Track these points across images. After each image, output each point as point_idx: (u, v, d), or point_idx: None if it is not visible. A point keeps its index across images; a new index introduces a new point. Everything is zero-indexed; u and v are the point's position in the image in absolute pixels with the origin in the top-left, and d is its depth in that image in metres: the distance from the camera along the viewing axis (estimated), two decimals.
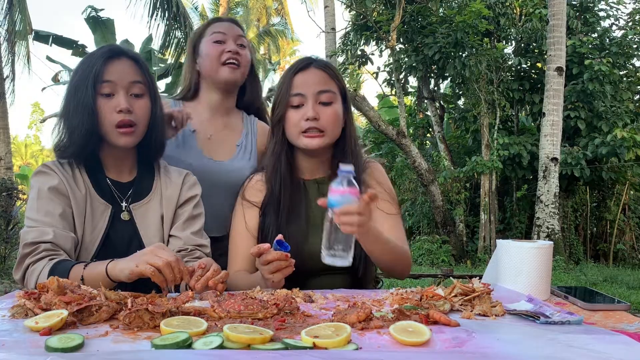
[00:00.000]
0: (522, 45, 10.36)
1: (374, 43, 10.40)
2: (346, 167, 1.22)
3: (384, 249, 1.40)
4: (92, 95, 1.36)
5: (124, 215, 1.45)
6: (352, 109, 1.76)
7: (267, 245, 1.26)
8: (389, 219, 1.53)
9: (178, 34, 10.53)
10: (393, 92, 10.84)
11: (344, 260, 1.24)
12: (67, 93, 1.41)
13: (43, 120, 12.94)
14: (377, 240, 1.36)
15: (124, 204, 1.46)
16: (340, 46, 10.62)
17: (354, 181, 1.22)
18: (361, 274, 1.53)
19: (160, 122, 1.49)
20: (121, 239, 1.43)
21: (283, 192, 1.51)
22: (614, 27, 10.89)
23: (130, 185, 1.49)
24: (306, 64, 1.51)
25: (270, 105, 1.60)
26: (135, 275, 1.15)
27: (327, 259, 1.24)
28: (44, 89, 11.81)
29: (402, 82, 10.32)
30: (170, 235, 1.48)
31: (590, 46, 9.62)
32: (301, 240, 1.47)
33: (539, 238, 8.16)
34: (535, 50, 10.22)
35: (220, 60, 1.79)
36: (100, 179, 1.45)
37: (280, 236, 1.29)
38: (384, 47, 10.26)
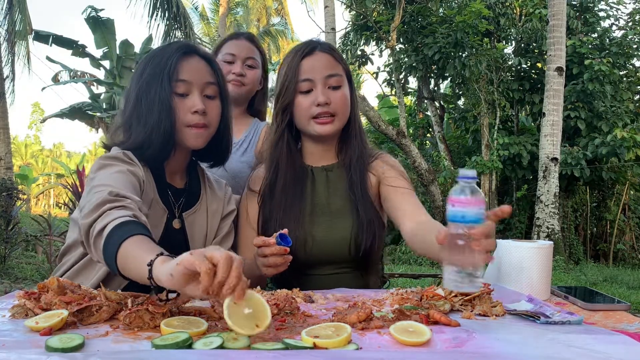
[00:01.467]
0: (522, 45, 10.36)
1: (374, 43, 10.41)
2: (468, 172, 1.00)
3: None
4: (169, 92, 1.29)
5: (175, 223, 1.39)
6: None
7: (272, 240, 1.24)
8: (410, 194, 1.49)
9: (178, 34, 10.54)
10: (393, 92, 10.85)
11: (475, 285, 0.98)
12: (138, 89, 1.32)
13: (43, 120, 12.92)
14: None
15: (176, 211, 1.40)
16: (340, 46, 10.61)
17: (477, 188, 1.01)
18: (366, 269, 1.51)
19: (230, 125, 1.44)
20: (172, 248, 1.34)
21: (281, 178, 1.49)
22: (614, 27, 10.91)
23: (182, 191, 1.43)
24: (311, 48, 1.47)
25: (274, 99, 1.56)
26: (181, 269, 0.84)
27: (452, 284, 0.98)
28: (44, 89, 11.79)
29: (402, 82, 10.32)
30: None
31: (590, 46, 9.63)
32: (303, 228, 1.46)
33: (539, 238, 8.16)
34: (535, 50, 10.23)
35: (226, 79, 1.88)
36: (161, 182, 1.37)
37: (285, 230, 1.26)
38: (384, 47, 10.27)
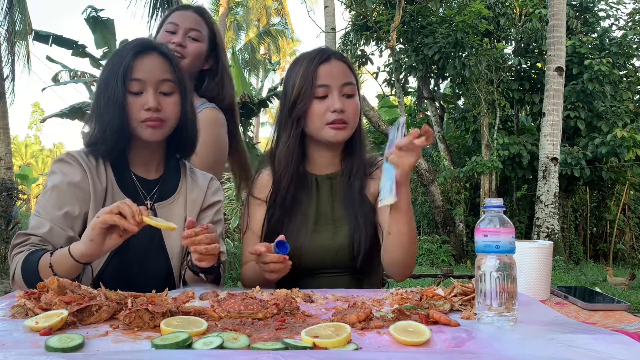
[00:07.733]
0: (522, 45, 10.36)
1: (374, 43, 10.42)
2: (494, 201, 1.00)
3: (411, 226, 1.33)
4: (122, 91, 1.34)
5: None
6: None
7: (264, 248, 1.28)
8: None
9: None
10: (393, 92, 10.85)
11: (512, 318, 0.98)
12: (98, 88, 1.39)
13: (43, 120, 12.91)
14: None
15: (148, 202, 1.42)
16: (340, 46, 10.62)
17: (506, 218, 1.00)
18: (366, 274, 1.51)
19: (192, 118, 1.46)
20: (140, 241, 1.36)
21: (290, 187, 1.50)
22: (614, 27, 10.91)
23: (156, 182, 1.45)
24: (328, 55, 1.49)
25: (280, 100, 1.57)
26: (97, 230, 1.14)
27: (487, 319, 0.98)
28: (44, 89, 11.77)
29: (402, 82, 10.32)
30: None
31: (590, 46, 9.63)
32: (307, 236, 1.47)
33: (539, 238, 8.16)
34: (535, 50, 10.23)
35: None
36: (125, 175, 1.41)
37: (281, 237, 1.29)
38: (384, 47, 10.27)
